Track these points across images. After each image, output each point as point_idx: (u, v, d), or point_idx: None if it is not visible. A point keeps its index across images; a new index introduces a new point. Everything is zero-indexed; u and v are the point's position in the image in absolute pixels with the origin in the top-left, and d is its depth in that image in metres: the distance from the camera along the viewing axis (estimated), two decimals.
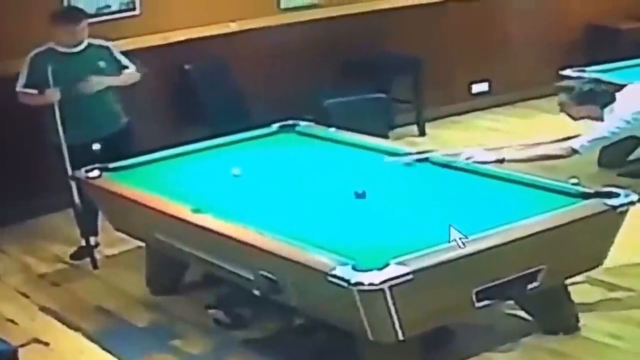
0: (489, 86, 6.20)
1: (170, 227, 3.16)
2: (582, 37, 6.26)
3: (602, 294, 3.27)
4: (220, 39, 5.06)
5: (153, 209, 3.19)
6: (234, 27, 5.14)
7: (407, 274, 2.44)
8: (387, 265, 2.46)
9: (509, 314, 3.08)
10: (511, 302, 2.97)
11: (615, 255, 2.98)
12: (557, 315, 3.03)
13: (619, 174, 4.46)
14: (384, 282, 2.41)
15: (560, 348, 2.94)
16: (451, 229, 2.62)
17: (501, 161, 3.34)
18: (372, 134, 3.94)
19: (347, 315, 2.54)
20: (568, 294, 3.02)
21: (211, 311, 3.29)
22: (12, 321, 3.43)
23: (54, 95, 3.82)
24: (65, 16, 4.06)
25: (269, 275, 2.72)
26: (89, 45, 4.03)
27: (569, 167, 4.57)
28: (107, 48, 4.11)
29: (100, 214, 3.89)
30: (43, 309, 3.55)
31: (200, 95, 5.01)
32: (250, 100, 5.03)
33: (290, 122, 4.09)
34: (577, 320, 3.04)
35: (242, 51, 5.13)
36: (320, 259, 2.57)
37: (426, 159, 3.46)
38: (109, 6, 4.83)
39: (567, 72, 4.71)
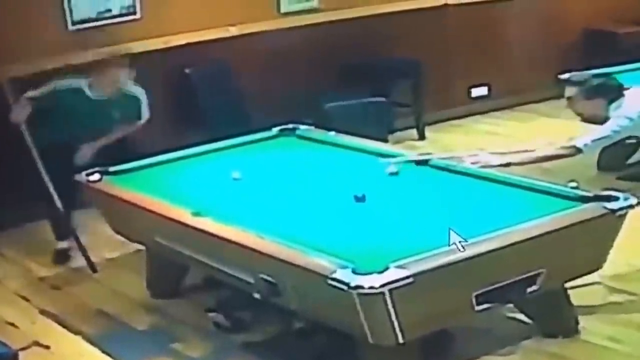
0: (489, 90, 6.22)
1: (170, 230, 3.17)
2: (580, 42, 6.28)
3: (602, 297, 3.27)
4: (221, 43, 5.07)
5: (153, 212, 3.20)
6: (234, 31, 5.15)
7: (407, 277, 2.44)
8: (387, 268, 2.46)
9: (508, 317, 3.08)
10: (511, 305, 2.97)
11: (615, 259, 2.99)
12: (556, 319, 3.03)
13: (618, 178, 4.47)
14: (384, 285, 2.41)
15: (560, 351, 2.94)
16: (451, 232, 2.63)
17: (507, 165, 3.35)
18: (372, 137, 3.95)
19: (347, 319, 2.54)
20: (567, 297, 3.02)
21: (211, 314, 3.30)
22: (12, 324, 3.44)
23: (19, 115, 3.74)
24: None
25: (269, 279, 2.72)
26: (122, 94, 3.96)
27: (568, 170, 4.59)
28: (137, 99, 4.06)
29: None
30: (43, 312, 3.55)
31: (201, 98, 5.02)
32: (250, 104, 5.04)
33: (290, 125, 4.10)
34: (577, 324, 3.05)
35: (242, 55, 5.14)
36: (320, 262, 2.57)
37: (426, 162, 3.47)
38: (109, 10, 4.84)
39: (566, 76, 4.73)
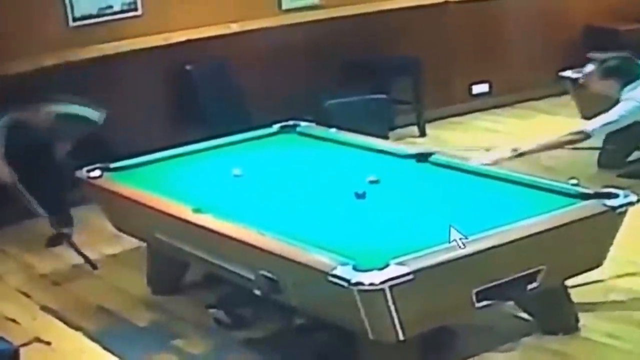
0: (489, 87, 6.21)
1: (171, 227, 3.17)
2: (580, 39, 6.27)
3: (602, 294, 3.27)
4: (222, 40, 5.08)
5: (154, 209, 3.20)
6: (235, 27, 5.15)
7: (408, 274, 2.44)
8: (387, 265, 2.46)
9: (508, 315, 3.08)
10: (511, 302, 2.98)
11: (615, 256, 2.99)
12: (556, 316, 3.03)
13: (618, 175, 4.47)
14: (385, 282, 2.41)
15: (560, 348, 2.94)
16: (451, 229, 2.63)
17: (520, 155, 3.34)
18: (373, 134, 3.95)
19: (348, 315, 2.54)
20: (568, 294, 3.02)
21: (212, 311, 3.30)
22: (13, 320, 3.44)
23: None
24: None
25: (270, 275, 2.73)
26: (60, 117, 3.96)
27: (569, 168, 4.59)
28: (76, 116, 4.05)
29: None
30: (44, 308, 3.56)
31: (201, 95, 5.03)
32: (251, 101, 5.04)
33: (290, 122, 4.10)
34: (577, 321, 3.05)
35: (243, 52, 5.15)
36: (321, 259, 2.57)
37: (427, 159, 3.46)
38: (111, 7, 4.84)
39: (567, 73, 4.73)
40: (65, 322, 3.40)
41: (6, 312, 3.52)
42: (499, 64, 6.16)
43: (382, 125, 5.06)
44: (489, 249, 2.61)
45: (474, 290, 2.62)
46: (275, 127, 4.07)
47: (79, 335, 3.29)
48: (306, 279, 2.63)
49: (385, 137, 4.79)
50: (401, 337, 2.51)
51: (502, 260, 2.67)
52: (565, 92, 4.89)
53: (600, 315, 3.14)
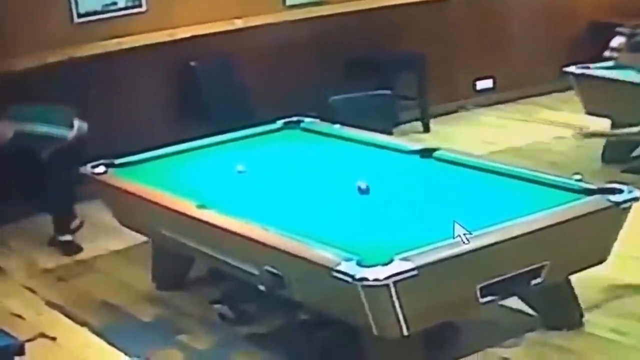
0: (494, 83, 6.21)
1: (175, 222, 3.18)
2: (585, 34, 6.26)
3: (606, 289, 3.28)
4: (226, 36, 5.08)
5: (158, 204, 3.21)
6: (239, 23, 5.15)
7: (412, 269, 2.45)
8: (391, 261, 2.47)
9: (513, 310, 3.08)
10: (515, 297, 2.98)
11: (619, 251, 2.99)
12: (561, 311, 3.04)
13: (622, 170, 4.47)
14: (389, 277, 2.42)
15: (564, 343, 2.95)
16: (455, 224, 2.63)
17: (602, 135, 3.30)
18: (377, 130, 3.95)
19: (352, 311, 2.55)
20: (572, 289, 3.02)
21: (216, 306, 3.31)
22: (19, 316, 3.46)
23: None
24: None
25: (274, 271, 2.73)
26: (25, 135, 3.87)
27: (573, 163, 4.59)
28: (41, 135, 3.93)
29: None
30: (49, 304, 3.58)
31: (205, 91, 5.03)
32: (254, 97, 5.04)
33: (294, 118, 4.10)
34: (581, 316, 3.05)
35: (247, 48, 5.15)
36: (325, 254, 2.58)
37: (430, 154, 3.46)
38: (115, 3, 4.85)
39: (571, 68, 4.72)
40: (71, 318, 3.42)
41: (12, 307, 3.54)
42: (503, 60, 6.16)
43: (386, 121, 5.05)
44: (493, 244, 2.61)
45: (478, 286, 2.62)
46: (279, 123, 4.07)
47: (84, 330, 3.31)
48: (310, 274, 2.64)
49: (390, 133, 4.78)
50: (405, 333, 2.51)
51: (506, 256, 2.67)
52: (569, 88, 4.87)
53: (604, 310, 3.14)
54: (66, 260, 4.04)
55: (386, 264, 2.45)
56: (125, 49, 4.75)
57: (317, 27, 5.40)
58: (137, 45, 4.78)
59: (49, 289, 3.74)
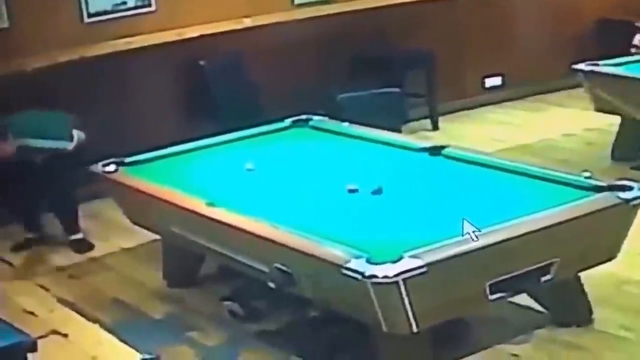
0: (502, 80, 6.20)
1: (185, 220, 3.20)
2: (594, 31, 6.24)
3: (615, 286, 3.27)
4: (235, 35, 5.09)
5: (168, 202, 3.23)
6: (247, 22, 5.16)
7: (421, 266, 2.46)
8: (401, 258, 2.48)
9: (522, 307, 3.09)
10: (524, 294, 2.98)
11: (629, 248, 2.98)
12: (570, 308, 3.04)
13: (632, 167, 4.45)
14: (398, 274, 2.43)
15: (574, 340, 2.95)
16: (464, 222, 2.64)
17: None
18: (385, 128, 3.96)
19: (361, 308, 2.56)
20: (581, 286, 3.03)
21: (226, 303, 3.33)
22: (31, 313, 3.49)
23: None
24: None
25: (284, 268, 2.75)
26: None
27: (582, 161, 4.58)
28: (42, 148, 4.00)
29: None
30: (61, 301, 3.60)
31: (214, 90, 5.04)
32: (263, 95, 5.06)
33: (303, 116, 4.11)
34: (591, 313, 3.05)
35: (256, 46, 5.16)
36: (335, 252, 2.59)
37: (439, 152, 3.47)
38: (125, 2, 4.87)
39: (580, 66, 4.71)
40: (82, 315, 3.44)
41: (24, 304, 3.57)
42: (511, 57, 6.14)
43: (394, 118, 5.05)
44: (502, 241, 2.62)
45: (488, 283, 2.63)
46: (288, 121, 4.08)
47: (95, 327, 3.33)
48: (320, 271, 2.65)
49: (398, 131, 4.79)
50: (414, 330, 2.52)
51: (515, 253, 2.68)
52: (578, 85, 4.86)
53: (614, 307, 3.14)
54: (78, 258, 4.06)
55: (395, 262, 2.46)
56: (135, 49, 4.77)
57: (326, 25, 5.41)
58: (146, 44, 4.80)
59: (61, 286, 3.76)
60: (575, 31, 6.22)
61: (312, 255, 2.63)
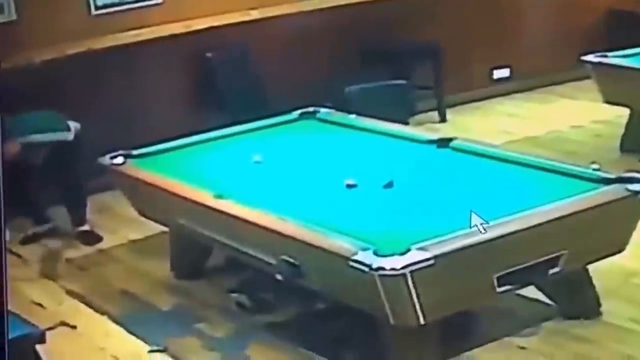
0: (510, 72, 6.17)
1: (193, 212, 3.21)
2: (603, 23, 6.20)
3: (623, 279, 3.26)
4: (242, 27, 5.08)
5: (176, 194, 3.24)
6: (255, 14, 5.15)
7: (429, 259, 2.45)
8: (408, 250, 2.47)
9: (530, 299, 3.08)
10: (532, 286, 2.97)
11: (637, 240, 2.97)
12: (578, 300, 3.03)
13: None
14: (406, 267, 2.43)
15: (582, 333, 2.94)
16: (472, 214, 2.63)
17: None
18: (393, 120, 3.95)
19: (369, 300, 2.56)
20: (589, 279, 3.02)
21: (234, 295, 3.34)
22: (40, 305, 3.51)
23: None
24: None
25: (291, 260, 2.75)
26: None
27: (590, 152, 4.56)
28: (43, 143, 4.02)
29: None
30: (70, 293, 3.62)
31: (221, 82, 5.04)
32: (270, 88, 5.05)
33: (311, 109, 4.10)
34: (599, 305, 3.04)
35: (263, 38, 5.15)
36: (342, 244, 2.59)
37: (447, 144, 3.46)
38: None
39: (589, 57, 4.68)
40: (91, 306, 3.46)
41: (33, 296, 3.59)
42: (520, 49, 6.11)
43: (402, 111, 5.04)
44: (510, 233, 2.61)
45: (495, 275, 2.62)
46: (296, 113, 4.08)
47: (104, 318, 3.35)
48: (327, 264, 2.65)
49: (406, 123, 4.78)
50: (422, 322, 2.52)
51: (523, 245, 2.67)
52: (587, 77, 4.83)
53: (622, 299, 3.13)
54: (86, 249, 4.08)
55: (403, 254, 2.46)
56: (142, 41, 4.77)
57: (333, 17, 5.39)
58: (153, 36, 4.79)
59: (70, 278, 3.78)
60: (584, 22, 6.18)
61: (320, 248, 2.63)
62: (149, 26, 4.82)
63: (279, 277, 2.82)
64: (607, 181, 2.93)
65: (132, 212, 3.77)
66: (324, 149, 3.67)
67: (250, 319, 3.23)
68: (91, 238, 4.14)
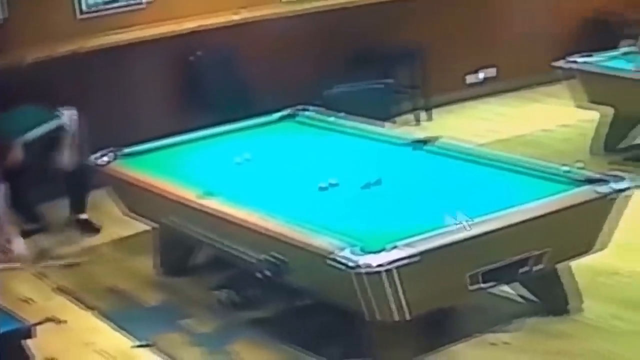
0: (497, 72, 6.21)
1: (179, 211, 3.23)
2: (590, 24, 6.25)
3: (605, 276, 3.30)
4: (228, 28, 5.09)
5: (164, 193, 3.26)
6: (240, 16, 5.17)
7: (414, 255, 2.48)
8: (393, 247, 2.50)
9: (513, 295, 3.11)
10: (516, 283, 3.01)
11: (618, 238, 3.01)
12: (560, 297, 3.06)
13: (625, 158, 4.48)
14: (391, 263, 2.46)
15: (564, 329, 2.98)
16: (456, 213, 2.66)
17: None
18: (378, 120, 3.98)
19: (354, 296, 2.58)
20: (571, 275, 3.05)
21: (219, 292, 3.36)
22: (28, 301, 3.51)
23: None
24: None
25: (276, 258, 2.77)
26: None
27: (575, 152, 4.60)
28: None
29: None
30: (58, 289, 3.63)
31: (208, 83, 5.05)
32: (256, 89, 5.06)
33: (296, 108, 4.12)
34: (581, 302, 3.07)
35: (248, 40, 5.16)
36: (327, 241, 2.61)
37: (422, 146, 3.48)
38: None
39: (574, 57, 4.73)
40: (79, 302, 3.47)
41: (21, 292, 3.59)
42: (506, 48, 6.14)
43: (386, 111, 5.07)
44: (493, 231, 2.64)
45: (480, 271, 2.65)
46: (280, 114, 4.10)
47: (91, 314, 3.36)
48: (312, 261, 2.67)
49: (392, 122, 4.81)
50: (407, 317, 2.55)
51: (505, 243, 2.70)
52: (572, 77, 4.89)
53: (603, 297, 3.16)
54: (74, 247, 4.08)
55: (388, 251, 2.49)
56: (129, 42, 4.78)
57: (318, 19, 5.40)
58: (140, 38, 4.81)
59: (58, 274, 3.79)
60: (571, 24, 6.22)
61: (305, 245, 2.65)
62: (135, 27, 4.83)
63: (265, 274, 2.82)
64: (586, 181, 2.93)
65: (120, 211, 3.78)
66: (308, 148, 3.69)
67: (234, 315, 3.25)
68: (89, 228, 4.13)
